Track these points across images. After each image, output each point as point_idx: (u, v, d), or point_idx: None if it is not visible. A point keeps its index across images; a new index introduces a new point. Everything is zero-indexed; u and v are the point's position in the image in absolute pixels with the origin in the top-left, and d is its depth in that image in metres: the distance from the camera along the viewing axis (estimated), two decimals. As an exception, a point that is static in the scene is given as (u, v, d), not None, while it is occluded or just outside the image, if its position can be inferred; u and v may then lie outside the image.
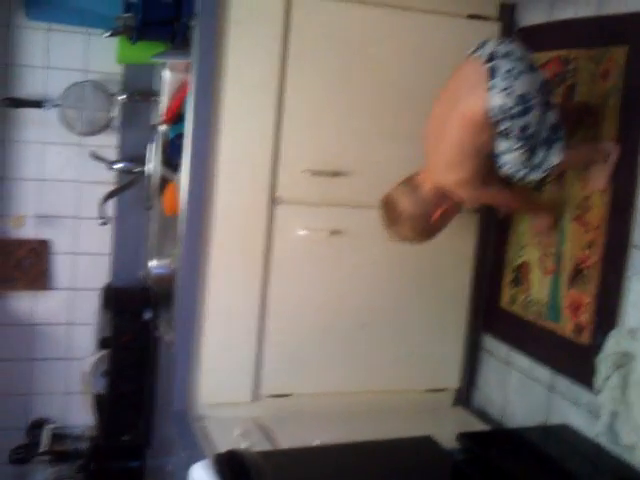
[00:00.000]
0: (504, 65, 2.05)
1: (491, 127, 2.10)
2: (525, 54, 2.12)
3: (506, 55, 2.08)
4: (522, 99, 2.04)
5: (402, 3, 2.61)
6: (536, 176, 2.21)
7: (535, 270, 2.65)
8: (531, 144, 2.12)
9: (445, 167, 2.23)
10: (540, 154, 2.16)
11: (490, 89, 2.05)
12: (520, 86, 2.04)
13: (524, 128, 2.07)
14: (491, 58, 2.08)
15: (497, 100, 2.04)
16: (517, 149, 2.12)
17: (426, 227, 2.35)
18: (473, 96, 2.09)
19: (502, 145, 2.13)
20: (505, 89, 2.04)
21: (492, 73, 2.06)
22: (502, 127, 2.08)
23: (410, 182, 2.33)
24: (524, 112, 2.05)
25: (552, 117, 2.15)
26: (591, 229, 2.41)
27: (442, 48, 2.61)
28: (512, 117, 2.05)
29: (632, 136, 2.28)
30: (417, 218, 2.32)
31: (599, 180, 2.38)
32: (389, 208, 2.35)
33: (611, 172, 2.34)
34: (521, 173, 2.19)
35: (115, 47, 3.09)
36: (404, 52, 2.64)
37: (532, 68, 2.10)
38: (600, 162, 2.35)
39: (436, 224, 2.35)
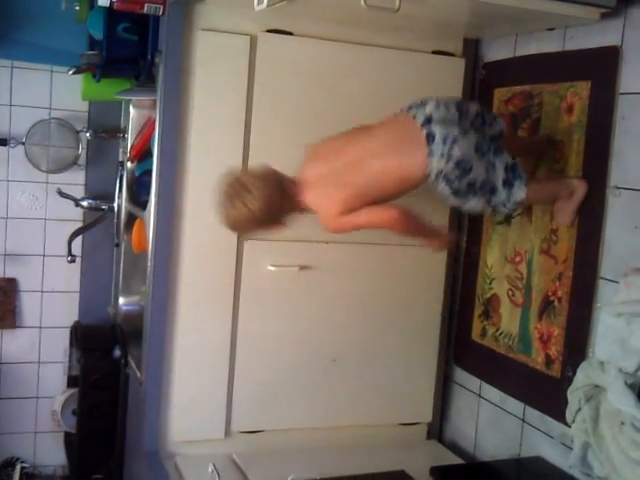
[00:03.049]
0: (440, 131, 2.10)
1: (421, 182, 2.15)
2: (455, 117, 2.15)
3: (441, 121, 2.12)
4: (460, 164, 2.10)
5: (367, 39, 2.62)
6: (503, 212, 2.31)
7: (505, 303, 2.65)
8: (484, 191, 2.18)
9: (345, 197, 2.17)
10: (502, 195, 2.21)
11: (429, 155, 2.10)
12: (457, 152, 2.09)
13: (470, 184, 2.14)
14: (428, 121, 2.13)
15: (436, 165, 2.10)
16: (474, 201, 2.18)
17: (263, 224, 2.21)
18: (412, 158, 2.13)
19: (459, 201, 2.19)
20: (443, 156, 2.09)
21: (429, 139, 2.10)
22: (447, 190, 2.13)
23: (277, 180, 2.21)
24: (465, 173, 2.11)
25: (504, 160, 2.20)
26: (559, 262, 2.42)
27: (408, 83, 2.62)
28: (456, 178, 2.11)
29: (597, 170, 2.30)
30: (262, 215, 2.15)
31: (564, 217, 2.40)
32: (237, 189, 2.16)
33: (576, 209, 2.36)
34: (488, 212, 2.29)
35: (80, 84, 3.07)
36: (370, 87, 2.64)
37: (466, 131, 2.14)
38: (565, 198, 2.36)
39: (271, 226, 2.23)
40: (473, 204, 2.20)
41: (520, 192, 2.21)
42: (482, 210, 2.27)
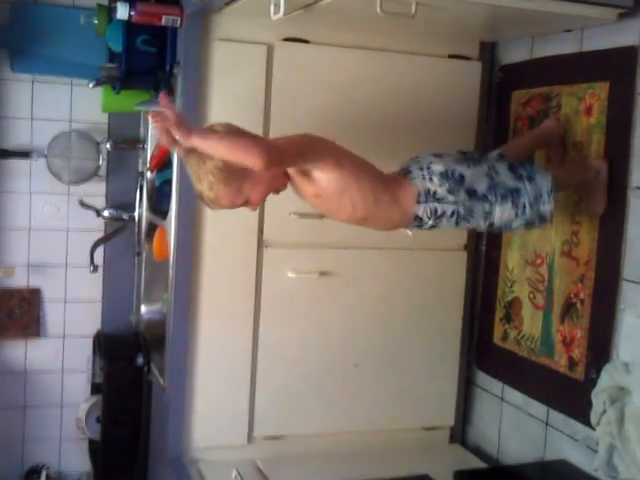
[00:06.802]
0: (414, 165, 2.12)
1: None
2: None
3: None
4: (444, 174, 2.05)
5: (383, 45, 2.63)
6: (547, 212, 2.14)
7: (526, 306, 2.65)
8: (499, 196, 2.09)
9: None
10: (528, 189, 2.10)
11: (412, 180, 2.07)
12: (436, 167, 2.07)
13: (470, 192, 2.06)
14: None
15: (420, 184, 2.06)
16: (498, 209, 2.10)
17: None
18: (401, 185, 2.09)
19: (478, 218, 2.10)
20: (424, 177, 2.06)
21: (406, 173, 2.11)
22: (447, 207, 2.06)
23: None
24: (457, 183, 2.06)
25: (505, 162, 2.16)
26: (581, 263, 2.41)
27: (425, 88, 2.62)
28: (449, 192, 2.05)
29: (618, 171, 2.28)
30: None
31: (597, 202, 2.33)
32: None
33: (606, 191, 2.30)
34: (530, 217, 2.13)
35: (100, 96, 3.09)
36: (388, 93, 2.64)
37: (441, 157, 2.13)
38: (592, 181, 2.31)
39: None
40: (500, 214, 2.09)
41: (546, 178, 2.11)
42: (527, 221, 2.13)
